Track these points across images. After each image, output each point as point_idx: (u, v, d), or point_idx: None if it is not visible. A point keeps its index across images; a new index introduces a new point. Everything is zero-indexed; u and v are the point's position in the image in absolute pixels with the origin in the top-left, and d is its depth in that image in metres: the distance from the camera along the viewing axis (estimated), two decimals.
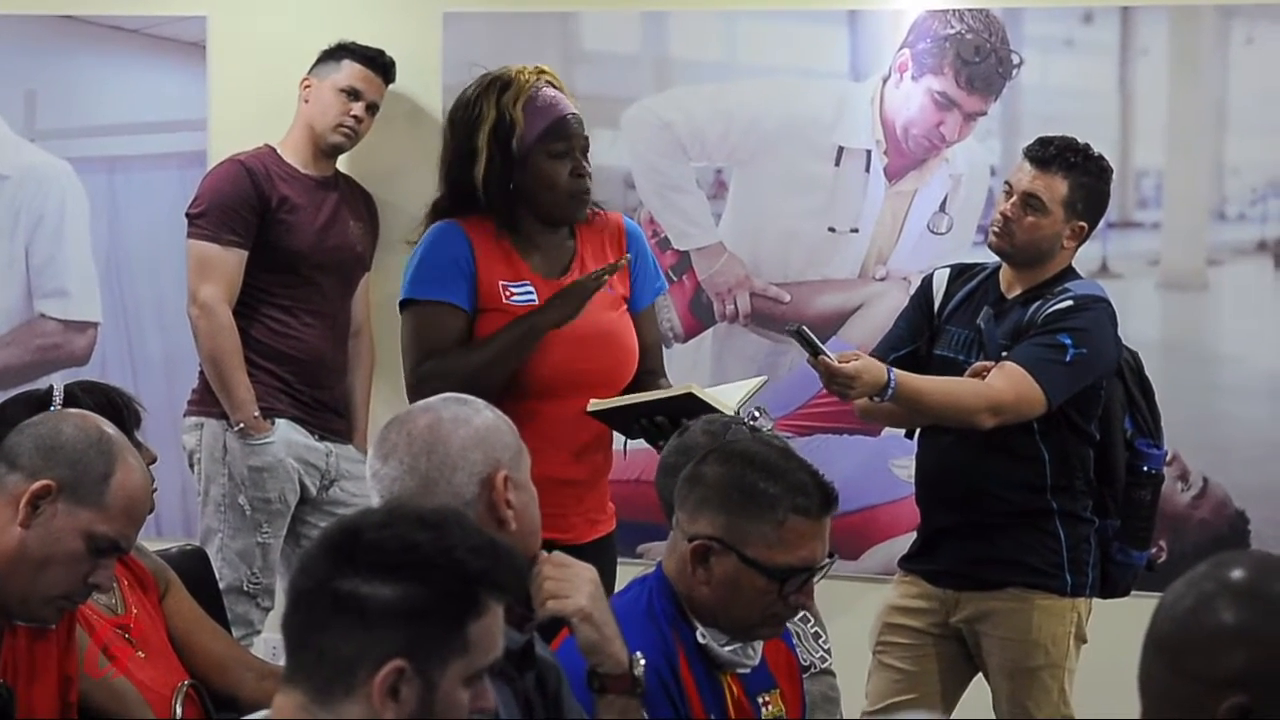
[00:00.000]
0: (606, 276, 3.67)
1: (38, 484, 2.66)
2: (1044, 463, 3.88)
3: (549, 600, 2.56)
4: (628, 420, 3.60)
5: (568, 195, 3.73)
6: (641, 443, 3.70)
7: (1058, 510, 3.91)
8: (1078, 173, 3.89)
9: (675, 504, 2.82)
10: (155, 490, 2.87)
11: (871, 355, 3.92)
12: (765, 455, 2.81)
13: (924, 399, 3.80)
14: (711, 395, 3.58)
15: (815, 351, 3.66)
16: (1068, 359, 3.80)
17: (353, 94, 5.03)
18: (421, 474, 2.58)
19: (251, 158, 4.98)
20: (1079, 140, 3.95)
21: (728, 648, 2.82)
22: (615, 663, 2.59)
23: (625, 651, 2.60)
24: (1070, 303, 3.85)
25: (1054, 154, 3.89)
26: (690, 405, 3.47)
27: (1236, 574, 1.97)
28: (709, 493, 2.77)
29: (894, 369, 3.75)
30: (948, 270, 4.09)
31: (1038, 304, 3.88)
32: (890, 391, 3.69)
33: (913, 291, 4.23)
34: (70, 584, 2.70)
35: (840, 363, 3.67)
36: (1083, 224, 3.91)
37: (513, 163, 3.71)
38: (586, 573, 2.61)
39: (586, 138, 3.78)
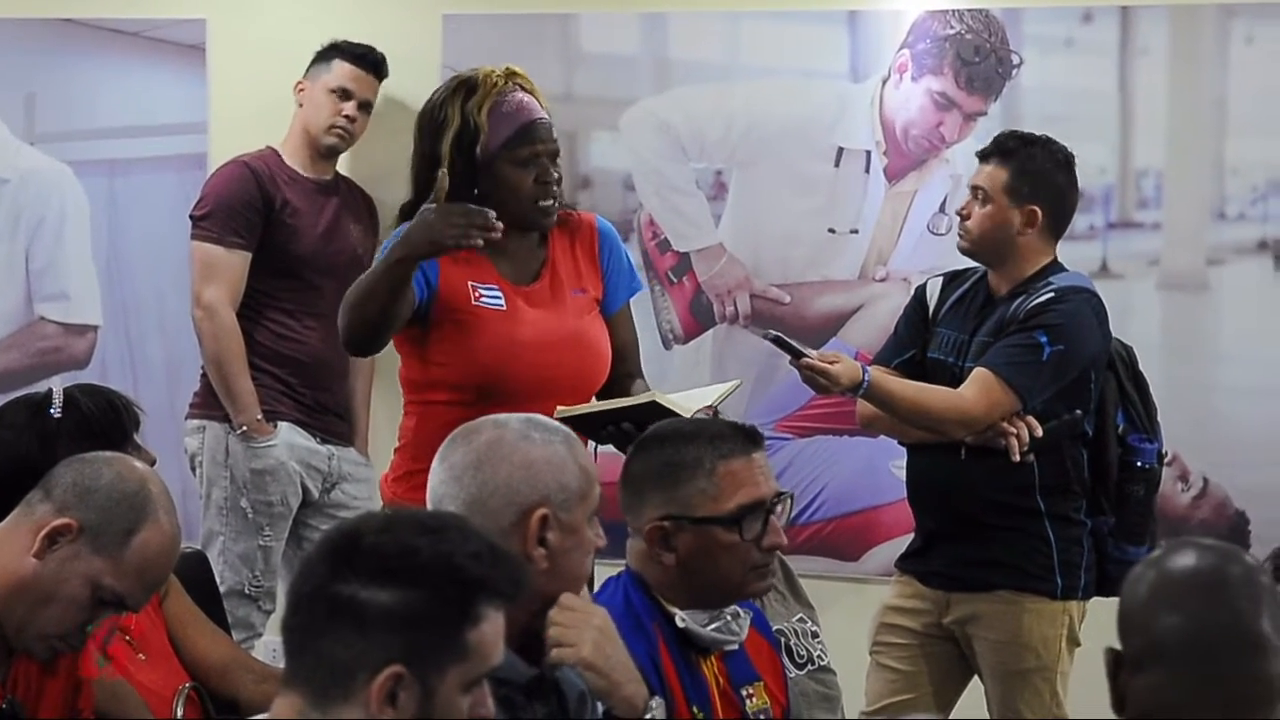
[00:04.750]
0: (477, 228, 3.40)
1: (60, 520, 2.66)
2: (1032, 461, 3.87)
3: (554, 649, 2.55)
4: (596, 426, 3.57)
5: (532, 203, 3.66)
6: (610, 446, 3.65)
7: (1046, 511, 3.89)
8: (1017, 158, 3.92)
9: (624, 513, 2.87)
10: None
11: (874, 362, 4.04)
12: (676, 428, 2.92)
13: (893, 400, 3.84)
14: (674, 401, 3.56)
15: (797, 354, 3.73)
16: (1044, 357, 3.80)
17: (343, 94, 5.02)
18: (465, 488, 2.54)
19: (255, 159, 4.98)
20: (1033, 133, 3.98)
21: (710, 626, 2.83)
22: (627, 706, 2.59)
23: (639, 694, 2.60)
24: (1051, 294, 3.86)
25: (992, 146, 3.97)
26: (656, 412, 3.45)
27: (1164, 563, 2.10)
28: (641, 484, 2.85)
29: (870, 368, 3.81)
30: (940, 278, 4.11)
31: (1021, 299, 3.89)
32: (864, 387, 3.75)
33: (911, 295, 4.24)
34: (65, 628, 2.69)
35: (820, 361, 3.74)
36: (1033, 208, 3.90)
37: (477, 169, 3.65)
38: (594, 619, 2.58)
39: (556, 142, 3.69)
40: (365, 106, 5.05)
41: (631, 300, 3.88)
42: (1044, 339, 3.80)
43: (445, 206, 3.49)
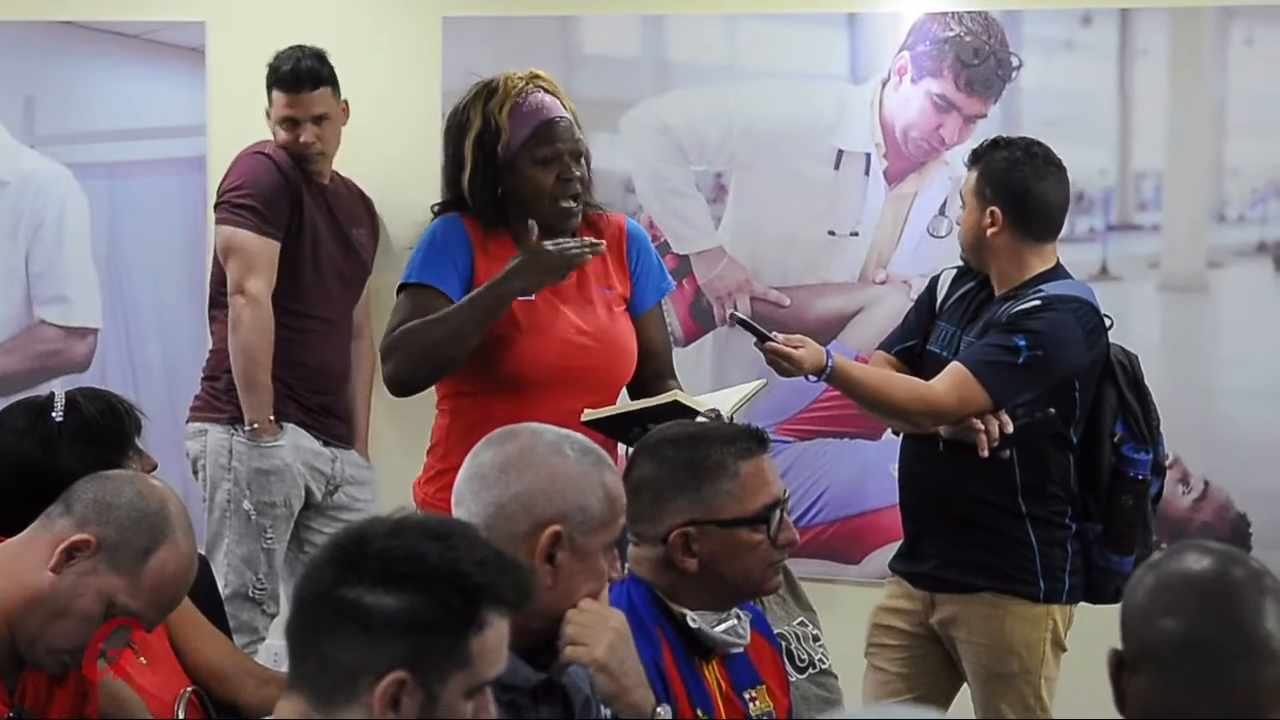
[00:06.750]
0: (582, 255, 3.62)
1: (79, 536, 2.66)
2: (1013, 463, 3.86)
3: (568, 647, 2.54)
4: (623, 428, 3.59)
5: (553, 202, 3.71)
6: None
7: (1028, 514, 3.87)
8: (982, 162, 3.93)
9: (628, 522, 2.82)
10: None
11: (879, 348, 4.10)
12: (685, 432, 2.94)
13: (857, 387, 3.85)
14: (695, 400, 3.58)
15: (762, 338, 3.75)
16: (1020, 360, 3.78)
17: (288, 122, 4.92)
18: (488, 487, 2.53)
19: (276, 153, 4.91)
20: (1007, 137, 3.97)
21: (719, 628, 2.84)
22: (635, 711, 2.59)
23: (647, 700, 2.61)
24: (1037, 302, 3.83)
25: (971, 155, 3.98)
26: (677, 412, 3.47)
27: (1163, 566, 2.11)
28: (657, 489, 2.84)
29: (835, 354, 3.81)
30: (954, 270, 4.09)
31: (1009, 303, 3.88)
32: (827, 372, 3.77)
33: (914, 294, 4.24)
34: (77, 643, 2.69)
35: (784, 345, 3.76)
36: (994, 208, 3.87)
37: (499, 170, 3.69)
38: (611, 621, 2.57)
39: (579, 142, 3.73)
40: (319, 119, 4.92)
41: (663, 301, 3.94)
42: (1022, 343, 3.78)
43: (543, 247, 3.60)
